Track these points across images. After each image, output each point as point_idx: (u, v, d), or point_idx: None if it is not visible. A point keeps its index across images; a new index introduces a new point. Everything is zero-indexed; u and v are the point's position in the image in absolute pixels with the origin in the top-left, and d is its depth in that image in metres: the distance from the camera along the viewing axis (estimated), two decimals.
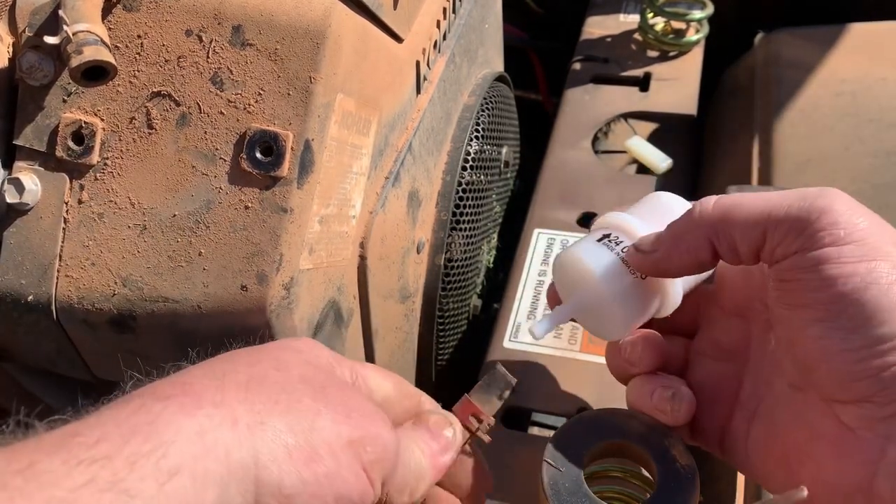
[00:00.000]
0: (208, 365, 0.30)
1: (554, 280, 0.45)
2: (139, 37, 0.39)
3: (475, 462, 0.38)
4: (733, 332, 0.41)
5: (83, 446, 0.24)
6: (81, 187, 0.39)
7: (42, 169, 0.39)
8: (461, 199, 0.59)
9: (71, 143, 0.39)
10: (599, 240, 0.41)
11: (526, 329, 0.58)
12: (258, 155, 0.37)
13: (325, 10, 0.38)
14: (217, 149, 0.38)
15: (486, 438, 0.38)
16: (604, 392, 0.53)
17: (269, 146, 0.37)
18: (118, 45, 0.39)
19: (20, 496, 0.22)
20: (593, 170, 0.71)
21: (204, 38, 0.38)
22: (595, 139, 0.75)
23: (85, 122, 0.38)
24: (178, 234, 0.38)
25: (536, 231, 0.66)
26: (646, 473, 0.38)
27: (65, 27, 0.35)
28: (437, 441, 0.36)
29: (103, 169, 0.39)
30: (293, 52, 0.37)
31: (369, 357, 0.50)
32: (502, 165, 0.69)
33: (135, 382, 0.29)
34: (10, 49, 0.39)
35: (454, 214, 0.58)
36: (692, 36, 0.81)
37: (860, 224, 0.33)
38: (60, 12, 0.35)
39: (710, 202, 0.37)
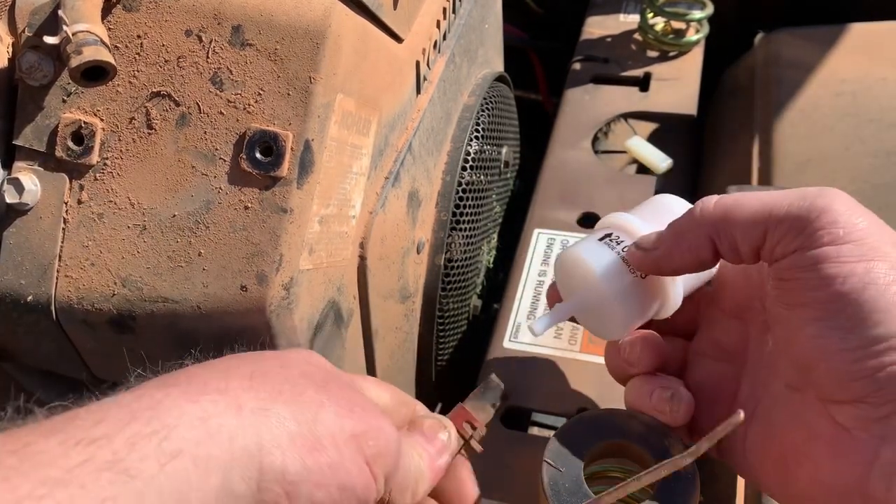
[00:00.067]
0: (211, 362, 0.30)
1: (555, 279, 0.45)
2: (139, 37, 0.38)
3: (466, 475, 0.38)
4: (732, 334, 0.41)
5: (81, 428, 0.24)
6: (81, 187, 0.39)
7: (42, 169, 0.39)
8: (461, 199, 0.59)
9: (70, 144, 0.39)
10: (601, 239, 0.42)
11: (526, 329, 0.58)
12: (258, 155, 0.37)
13: (325, 10, 0.38)
14: (217, 149, 0.38)
15: (479, 448, 0.38)
16: (604, 392, 0.53)
17: (269, 146, 0.37)
18: (118, 45, 0.39)
19: (15, 475, 0.21)
20: (593, 170, 0.71)
21: (204, 38, 0.38)
22: (595, 139, 0.75)
23: (84, 123, 0.38)
24: (178, 234, 0.38)
25: (536, 231, 0.66)
26: None
27: (64, 27, 0.35)
28: (432, 444, 0.36)
29: (103, 169, 0.39)
30: (293, 52, 0.37)
31: (369, 357, 0.50)
32: (502, 165, 0.69)
33: (137, 376, 0.29)
34: (10, 49, 0.39)
35: (454, 214, 0.58)
36: (692, 36, 0.81)
37: (859, 224, 0.34)
38: (60, 12, 0.35)
39: (711, 201, 0.38)
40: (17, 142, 0.39)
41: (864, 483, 0.33)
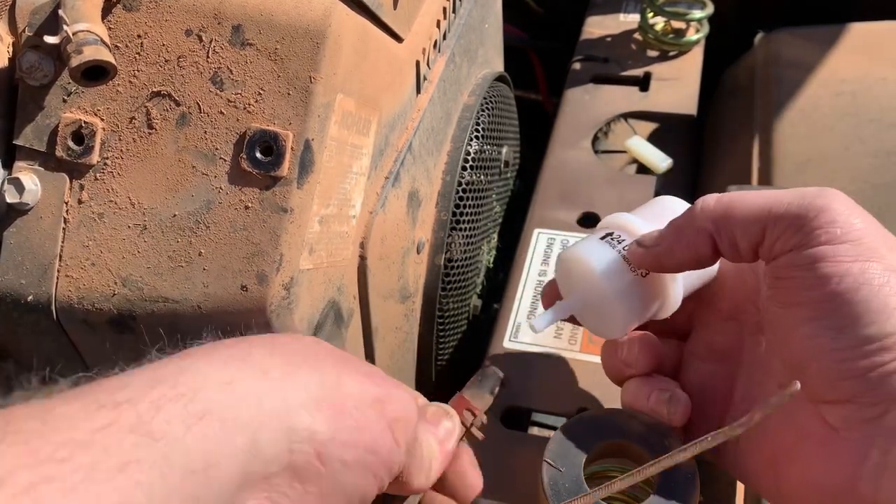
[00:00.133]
0: (229, 340, 0.30)
1: (556, 278, 0.45)
2: (139, 36, 0.38)
3: (468, 462, 0.38)
4: (727, 335, 0.42)
5: (105, 392, 0.23)
6: (81, 187, 0.39)
7: (42, 169, 0.39)
8: (461, 199, 0.59)
9: (71, 143, 0.39)
10: (602, 238, 0.42)
11: (526, 329, 0.58)
12: (258, 155, 0.37)
13: (325, 10, 0.38)
14: (217, 149, 0.38)
15: (480, 435, 0.38)
16: (604, 392, 0.53)
17: (269, 146, 0.37)
18: (118, 44, 0.39)
19: (36, 438, 0.21)
20: (593, 170, 0.71)
21: (204, 38, 0.38)
22: (595, 139, 0.75)
23: (85, 122, 0.38)
24: (178, 234, 0.38)
25: (536, 231, 0.66)
26: None
27: (65, 27, 0.35)
28: (437, 429, 0.36)
29: (103, 169, 0.39)
30: (293, 52, 0.37)
31: (369, 357, 0.50)
32: (502, 165, 0.69)
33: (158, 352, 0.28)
34: (10, 49, 0.39)
35: (454, 214, 0.58)
36: (692, 36, 0.81)
37: (857, 224, 0.34)
38: (60, 12, 0.35)
39: (712, 198, 0.38)
40: (18, 141, 0.39)
41: (853, 484, 0.33)
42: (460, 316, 0.64)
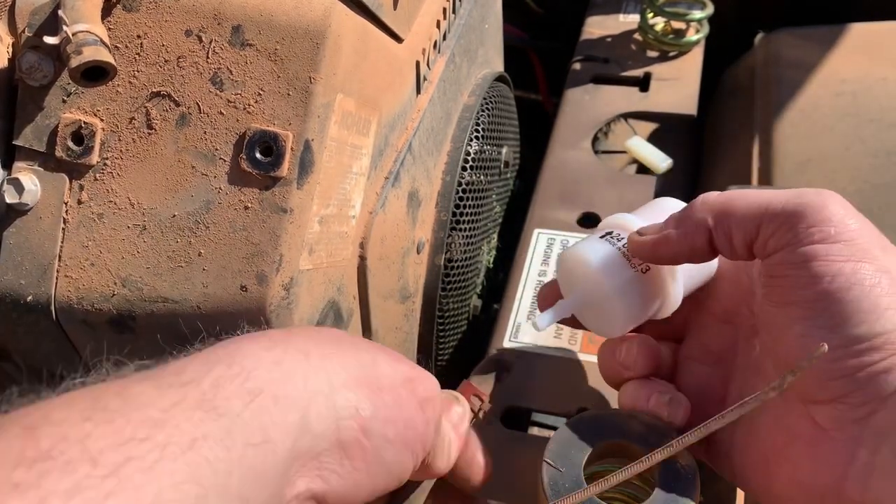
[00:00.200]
0: (261, 331, 0.32)
1: (557, 278, 0.45)
2: (139, 37, 0.38)
3: (476, 447, 0.39)
4: (721, 338, 0.42)
5: (170, 374, 0.25)
6: (81, 187, 0.39)
7: (41, 169, 0.39)
8: (461, 199, 0.59)
9: (70, 144, 0.39)
10: (602, 237, 0.42)
11: (526, 329, 0.58)
12: (258, 155, 0.37)
13: (325, 11, 0.38)
14: (217, 149, 0.38)
15: (488, 422, 0.39)
16: (604, 392, 0.53)
17: (269, 146, 0.37)
18: (118, 45, 0.39)
19: (119, 417, 0.23)
20: (593, 170, 0.71)
21: (204, 39, 0.38)
22: (595, 139, 0.75)
23: (84, 123, 0.38)
24: (178, 234, 0.38)
25: (536, 231, 0.65)
26: (646, 474, 0.38)
27: (64, 27, 0.35)
28: (450, 414, 0.37)
29: (103, 169, 0.39)
30: (293, 53, 0.37)
31: None
32: (502, 165, 0.69)
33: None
34: (10, 49, 0.39)
35: (454, 214, 0.58)
36: (692, 36, 0.81)
37: (851, 225, 0.34)
38: (60, 12, 0.35)
39: (713, 193, 0.39)
40: (17, 142, 0.39)
41: (840, 484, 0.33)
42: (460, 316, 0.64)
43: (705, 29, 0.81)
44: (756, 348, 0.39)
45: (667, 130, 0.76)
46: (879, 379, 0.32)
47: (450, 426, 0.36)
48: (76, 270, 0.38)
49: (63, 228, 0.39)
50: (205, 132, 0.38)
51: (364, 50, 0.41)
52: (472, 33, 0.63)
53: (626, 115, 0.77)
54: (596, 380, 0.54)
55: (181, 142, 0.38)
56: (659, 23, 0.82)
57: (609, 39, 0.85)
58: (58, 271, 0.38)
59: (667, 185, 0.70)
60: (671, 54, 0.81)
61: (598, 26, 0.86)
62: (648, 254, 0.40)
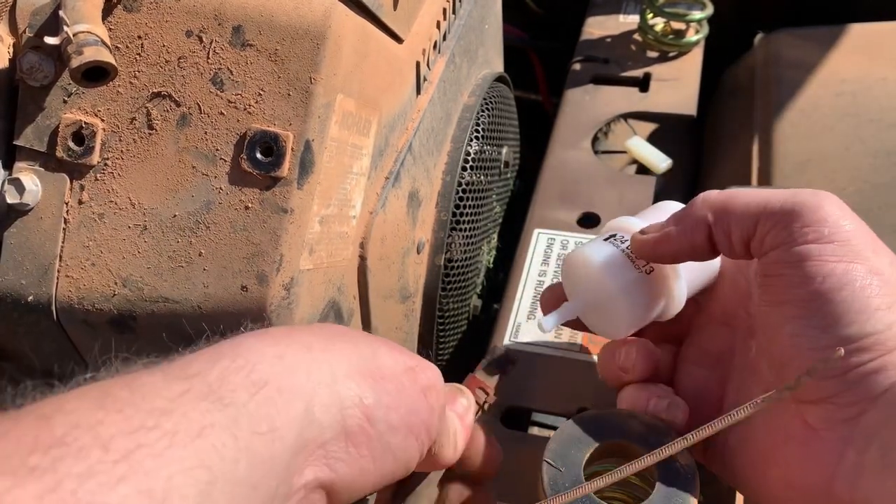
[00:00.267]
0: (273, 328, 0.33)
1: (562, 280, 0.45)
2: (139, 37, 0.39)
3: (485, 439, 0.39)
4: (719, 341, 0.42)
5: (177, 367, 0.26)
6: (82, 188, 0.39)
7: (42, 169, 0.39)
8: (461, 199, 0.59)
9: (71, 144, 0.39)
10: (605, 239, 0.43)
11: (526, 329, 0.58)
12: (258, 155, 0.37)
13: (326, 11, 0.38)
14: (217, 149, 0.38)
15: (493, 415, 0.39)
16: (604, 392, 0.53)
17: (270, 146, 0.37)
18: (118, 45, 0.39)
19: (128, 406, 0.23)
20: (593, 170, 0.71)
21: (204, 39, 0.38)
22: (595, 139, 0.75)
23: (85, 123, 0.38)
24: (179, 234, 0.38)
25: (536, 231, 0.66)
26: (646, 473, 0.38)
27: (65, 28, 0.35)
28: (455, 405, 0.37)
29: (104, 169, 0.39)
30: (293, 53, 0.37)
31: None
32: (502, 165, 0.69)
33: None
34: (11, 50, 0.39)
35: (454, 214, 0.58)
36: (692, 36, 0.81)
37: (846, 226, 0.35)
38: (61, 13, 0.35)
39: (713, 192, 0.39)
40: (18, 142, 0.39)
41: (830, 484, 0.33)
42: (460, 316, 0.64)
43: (705, 29, 0.81)
44: (752, 350, 0.40)
45: (667, 130, 0.76)
46: (869, 379, 0.33)
47: (455, 417, 0.36)
48: (77, 270, 0.38)
49: (64, 228, 0.39)
50: (205, 132, 0.38)
51: (364, 50, 0.41)
52: (472, 33, 0.63)
53: (626, 116, 0.77)
54: (596, 380, 0.54)
55: (182, 142, 0.38)
56: (659, 23, 0.82)
57: (609, 40, 0.85)
58: (59, 271, 0.38)
59: (667, 185, 0.70)
60: (671, 54, 0.81)
61: (598, 26, 0.86)
62: (650, 252, 0.40)
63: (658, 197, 0.67)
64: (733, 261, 0.42)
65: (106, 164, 0.39)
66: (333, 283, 0.43)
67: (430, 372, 0.33)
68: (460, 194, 0.59)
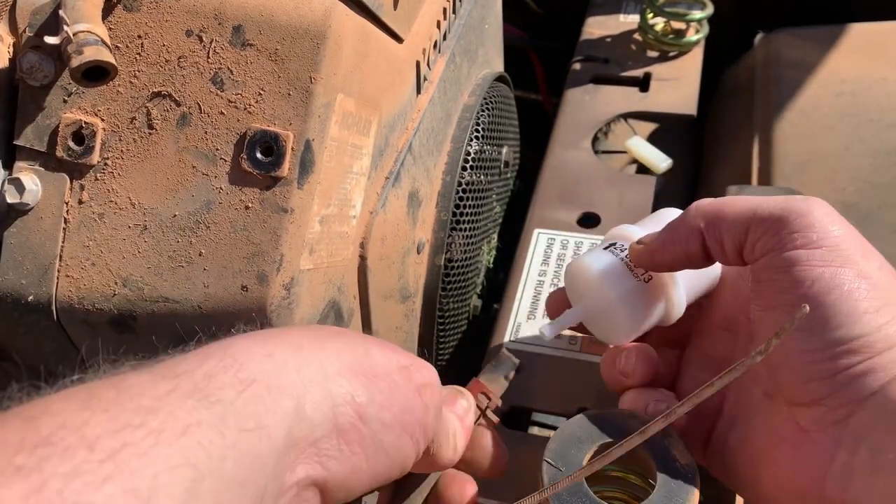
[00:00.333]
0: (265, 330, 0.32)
1: (565, 287, 0.47)
2: (139, 37, 0.39)
3: (491, 437, 0.39)
4: (721, 345, 0.43)
5: (165, 367, 0.26)
6: (82, 187, 0.39)
7: (42, 169, 0.39)
8: (461, 199, 0.59)
9: (71, 144, 0.39)
10: (606, 248, 0.44)
11: (526, 329, 0.58)
12: (258, 155, 0.37)
13: (326, 11, 0.38)
14: (217, 149, 0.38)
15: (495, 419, 0.39)
16: (604, 392, 0.53)
17: (270, 146, 0.37)
18: (119, 45, 0.39)
19: (114, 406, 0.23)
20: (593, 170, 0.71)
21: (204, 39, 0.38)
22: (595, 139, 0.75)
23: (85, 123, 0.38)
24: (179, 234, 0.38)
25: (536, 231, 0.66)
26: (645, 473, 0.38)
27: (65, 27, 0.35)
28: (455, 407, 0.37)
29: (104, 169, 0.39)
30: (293, 53, 0.37)
31: None
32: (502, 165, 0.69)
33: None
34: (11, 49, 0.39)
35: (454, 214, 0.58)
36: (692, 36, 0.81)
37: (834, 232, 0.35)
38: (61, 12, 0.35)
39: (706, 200, 0.40)
40: (18, 142, 0.39)
41: (821, 484, 0.34)
42: (460, 316, 0.64)
43: (705, 29, 0.81)
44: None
45: (667, 130, 0.76)
46: (858, 381, 0.33)
47: (455, 418, 0.36)
48: (77, 270, 0.38)
49: (64, 228, 0.39)
50: (205, 132, 0.38)
51: (364, 50, 0.41)
52: (472, 33, 0.63)
53: (626, 115, 0.77)
54: (596, 380, 0.54)
55: (182, 142, 0.38)
56: (659, 23, 0.82)
57: (609, 39, 0.85)
58: (59, 271, 0.38)
59: (667, 185, 0.70)
60: (671, 54, 0.81)
61: (598, 26, 0.86)
62: (647, 262, 0.42)
63: (658, 197, 0.67)
64: (734, 267, 0.42)
65: (106, 164, 0.39)
66: (333, 283, 0.43)
67: (426, 370, 0.33)
68: (460, 194, 0.59)
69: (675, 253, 0.40)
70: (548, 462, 0.37)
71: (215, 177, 0.38)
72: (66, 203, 0.39)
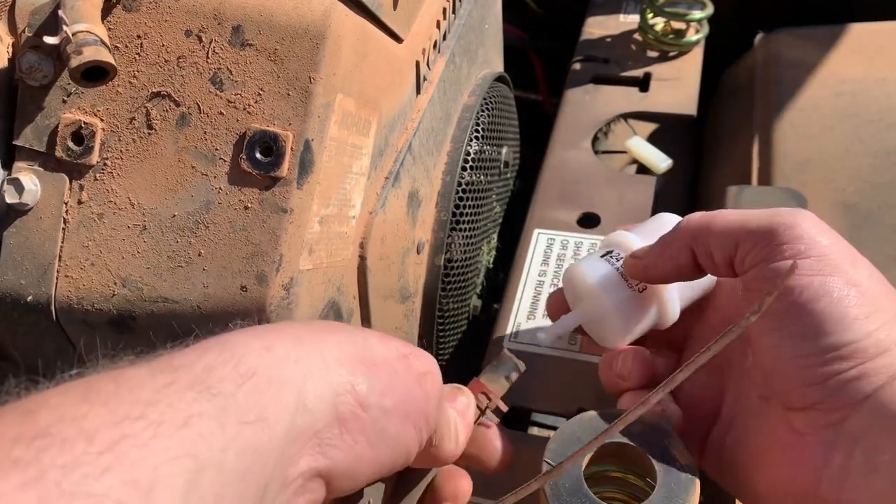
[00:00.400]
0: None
1: (563, 290, 0.49)
2: (139, 37, 0.38)
3: (494, 432, 0.39)
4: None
5: (164, 361, 0.26)
6: (81, 187, 0.39)
7: (42, 169, 0.39)
8: (461, 199, 0.59)
9: (70, 144, 0.39)
10: (602, 256, 0.46)
11: (526, 329, 0.58)
12: (258, 155, 0.37)
13: (325, 11, 0.38)
14: (217, 149, 0.38)
15: (495, 419, 0.39)
16: (603, 392, 0.53)
17: (269, 146, 0.37)
18: (118, 45, 0.39)
19: (113, 399, 0.23)
20: (593, 170, 0.71)
21: (204, 39, 0.38)
22: (595, 139, 0.75)
23: (85, 123, 0.38)
24: (178, 234, 0.38)
25: (536, 231, 0.65)
26: (646, 474, 0.38)
27: (64, 27, 0.35)
28: (455, 402, 0.37)
29: (103, 169, 0.39)
30: (293, 53, 0.37)
31: None
32: (502, 165, 0.69)
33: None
34: (10, 49, 0.39)
35: (454, 215, 0.58)
36: (692, 36, 0.81)
37: (822, 242, 0.36)
38: (60, 12, 0.35)
39: (696, 215, 0.41)
40: (17, 142, 0.39)
41: (816, 487, 0.35)
42: (460, 316, 0.64)
43: (705, 29, 0.81)
44: (749, 358, 0.41)
45: (667, 130, 0.76)
46: (850, 386, 0.34)
47: (455, 413, 0.36)
48: (76, 270, 0.38)
49: (63, 228, 0.39)
50: (205, 132, 0.38)
51: (364, 50, 0.41)
52: (472, 33, 0.63)
53: (626, 115, 0.77)
54: (596, 380, 0.54)
55: (181, 142, 0.38)
56: (659, 23, 0.82)
57: (609, 39, 0.85)
58: (58, 271, 0.38)
59: (667, 185, 0.70)
60: (671, 54, 0.81)
61: (598, 26, 0.86)
62: (641, 275, 0.43)
63: (658, 197, 0.67)
64: None
65: (105, 164, 0.39)
66: (333, 283, 0.43)
67: (425, 359, 0.33)
68: (460, 194, 0.59)
69: (667, 268, 0.41)
70: (548, 462, 0.37)
71: (214, 177, 0.37)
72: (66, 203, 0.39)
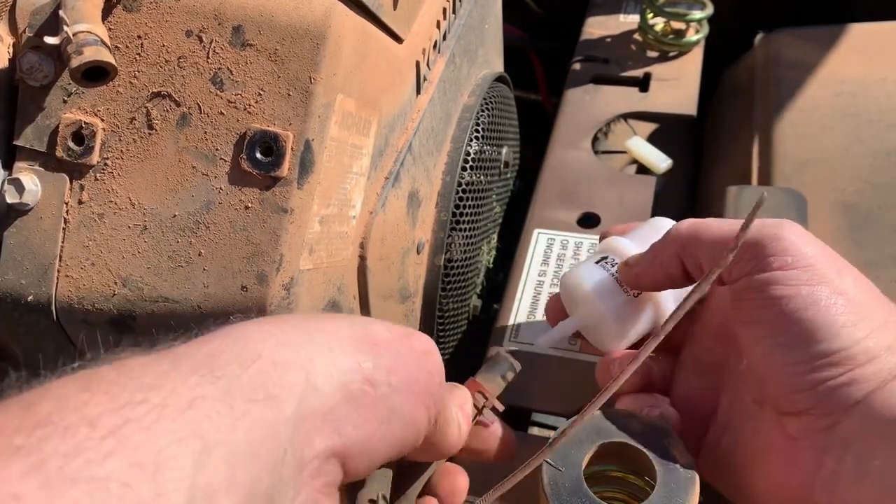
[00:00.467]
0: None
1: (561, 295, 0.49)
2: (139, 37, 0.39)
3: (496, 428, 0.39)
4: (713, 352, 0.44)
5: (166, 350, 0.26)
6: (81, 187, 0.39)
7: (42, 169, 0.39)
8: (461, 199, 0.59)
9: (71, 144, 0.39)
10: (597, 262, 0.47)
11: (526, 329, 0.58)
12: (258, 155, 0.37)
13: (326, 11, 0.38)
14: (217, 149, 0.38)
15: (492, 417, 0.39)
16: None
17: (270, 146, 0.37)
18: (118, 45, 0.39)
19: (114, 387, 0.23)
20: (593, 170, 0.71)
21: (204, 39, 0.38)
22: (595, 139, 0.75)
23: (85, 123, 0.38)
24: (179, 234, 0.38)
25: (536, 231, 0.66)
26: (646, 474, 0.38)
27: (65, 27, 0.35)
28: (453, 396, 0.37)
29: (103, 169, 0.39)
30: (293, 53, 0.37)
31: None
32: (502, 166, 0.69)
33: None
34: (11, 49, 0.39)
35: (454, 215, 0.58)
36: (692, 36, 0.81)
37: (808, 253, 0.37)
38: (61, 13, 0.35)
39: (685, 224, 0.42)
40: (18, 142, 0.39)
41: (809, 491, 0.35)
42: (460, 316, 0.64)
43: (705, 29, 0.81)
44: (744, 361, 0.41)
45: (666, 130, 0.76)
46: (841, 392, 0.34)
47: (456, 407, 0.36)
48: (77, 270, 0.38)
49: (64, 228, 0.39)
50: (205, 132, 0.38)
51: (364, 50, 0.41)
52: (472, 33, 0.63)
53: (626, 116, 0.77)
54: (596, 380, 0.54)
55: (182, 142, 0.38)
56: (659, 23, 0.82)
57: (609, 39, 0.85)
58: (58, 271, 0.38)
59: (667, 186, 0.70)
60: (671, 54, 0.81)
61: (598, 26, 0.86)
62: (634, 283, 0.44)
63: (658, 197, 0.67)
64: None
65: (106, 164, 0.39)
66: (333, 283, 0.43)
67: (424, 338, 0.33)
68: (460, 194, 0.59)
69: (658, 276, 0.42)
70: (547, 462, 0.37)
71: (215, 177, 0.38)
72: (66, 203, 0.39)
